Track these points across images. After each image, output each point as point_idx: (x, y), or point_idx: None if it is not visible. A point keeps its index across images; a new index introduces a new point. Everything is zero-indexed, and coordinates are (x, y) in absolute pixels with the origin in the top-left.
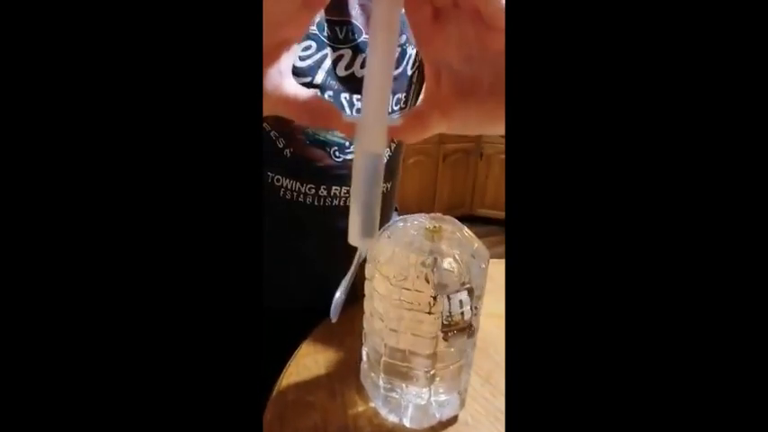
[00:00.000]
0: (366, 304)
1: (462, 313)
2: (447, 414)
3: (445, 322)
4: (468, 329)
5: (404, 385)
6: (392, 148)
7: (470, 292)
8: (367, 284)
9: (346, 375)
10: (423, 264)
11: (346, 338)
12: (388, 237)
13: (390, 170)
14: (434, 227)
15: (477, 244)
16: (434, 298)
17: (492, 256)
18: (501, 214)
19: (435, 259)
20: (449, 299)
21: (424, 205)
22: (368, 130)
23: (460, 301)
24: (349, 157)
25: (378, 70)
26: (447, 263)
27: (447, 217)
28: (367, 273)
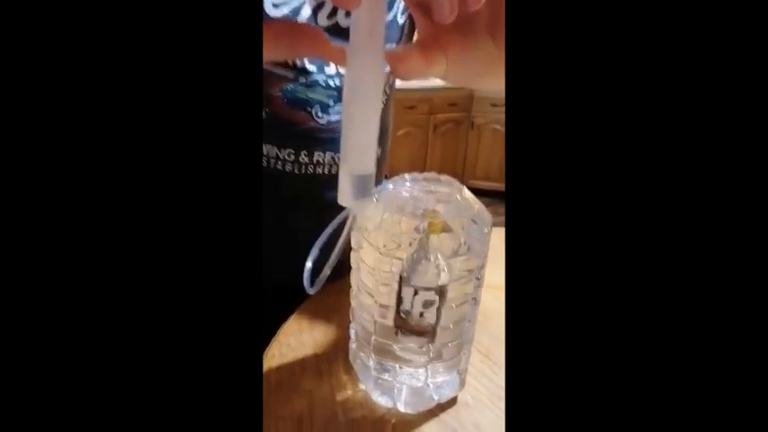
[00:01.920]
0: (353, 278)
1: (422, 314)
2: (446, 395)
3: (402, 316)
4: (426, 334)
5: (397, 366)
6: (383, 100)
7: (442, 292)
8: (353, 256)
9: (334, 356)
10: (416, 229)
11: (334, 316)
12: (377, 201)
13: (381, 133)
14: (431, 222)
15: (479, 206)
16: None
17: None
18: (493, 185)
19: (430, 224)
20: (415, 293)
21: None
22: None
23: (425, 302)
24: (334, 118)
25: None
26: (444, 227)
27: (444, 177)
28: (354, 243)
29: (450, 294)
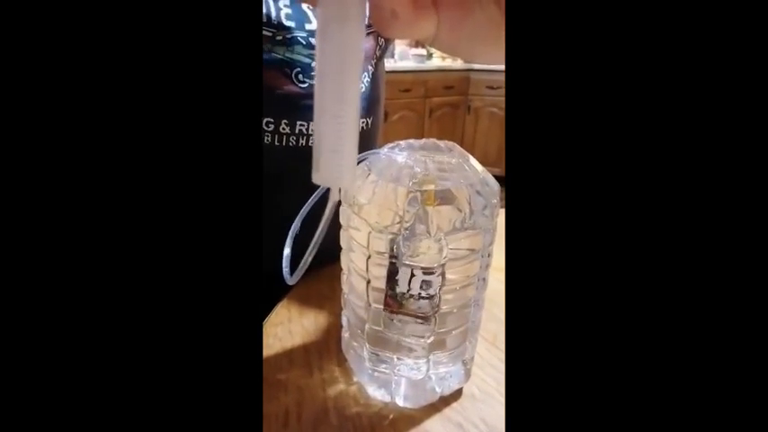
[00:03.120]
0: (343, 259)
1: (420, 297)
2: (449, 388)
3: (398, 299)
4: (425, 320)
5: (395, 357)
6: (370, 73)
7: (442, 272)
8: (343, 235)
9: (325, 347)
10: (411, 201)
11: (326, 303)
12: (368, 171)
13: (371, 103)
14: (426, 192)
15: (485, 175)
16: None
17: None
18: (491, 170)
19: (425, 194)
20: (412, 274)
21: None
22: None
23: (423, 283)
24: None
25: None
26: (444, 198)
27: (445, 143)
28: (342, 220)
29: (453, 275)
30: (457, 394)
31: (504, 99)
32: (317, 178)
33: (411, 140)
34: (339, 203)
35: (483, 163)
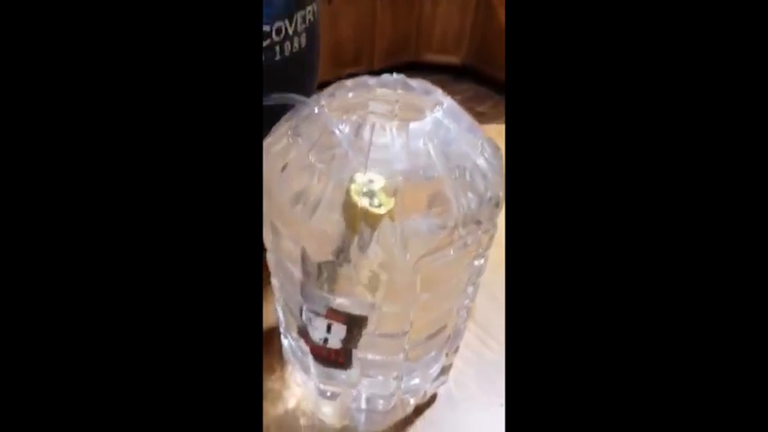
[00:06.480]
0: (270, 259)
1: (326, 340)
2: (425, 396)
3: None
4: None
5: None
6: None
7: (356, 322)
8: (265, 230)
9: (264, 349)
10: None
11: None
12: (292, 136)
13: None
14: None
15: (484, 143)
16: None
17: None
18: (450, 59)
19: (381, 194)
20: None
21: (360, 54)
22: None
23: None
24: None
25: None
26: (415, 199)
27: (421, 83)
28: (266, 235)
29: (422, 315)
30: (431, 400)
31: None
32: None
33: (364, 77)
34: None
35: (441, 51)
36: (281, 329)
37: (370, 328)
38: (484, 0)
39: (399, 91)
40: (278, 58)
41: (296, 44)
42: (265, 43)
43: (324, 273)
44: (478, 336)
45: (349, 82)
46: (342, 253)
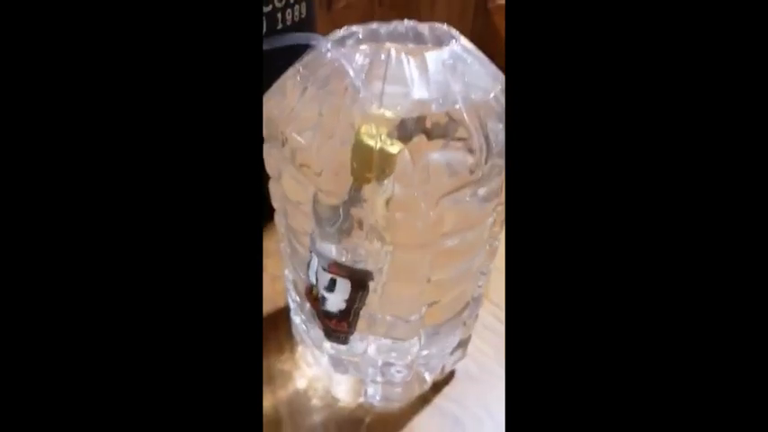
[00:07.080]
0: (277, 220)
1: (325, 298)
2: (443, 371)
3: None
4: (336, 332)
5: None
6: None
7: (362, 283)
8: (274, 188)
9: (272, 326)
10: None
11: (267, 263)
12: (305, 83)
13: None
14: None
15: (498, 77)
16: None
17: None
18: None
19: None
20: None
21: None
22: None
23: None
24: None
25: None
26: (435, 130)
27: (433, 26)
28: (269, 166)
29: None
30: (449, 376)
31: None
32: None
33: (373, 25)
34: None
35: None
36: (291, 306)
37: (382, 278)
38: (482, 7)
39: (410, 45)
40: (280, 26)
41: (296, 13)
42: (267, 9)
43: (337, 217)
44: (495, 314)
45: (359, 31)
46: (356, 192)
